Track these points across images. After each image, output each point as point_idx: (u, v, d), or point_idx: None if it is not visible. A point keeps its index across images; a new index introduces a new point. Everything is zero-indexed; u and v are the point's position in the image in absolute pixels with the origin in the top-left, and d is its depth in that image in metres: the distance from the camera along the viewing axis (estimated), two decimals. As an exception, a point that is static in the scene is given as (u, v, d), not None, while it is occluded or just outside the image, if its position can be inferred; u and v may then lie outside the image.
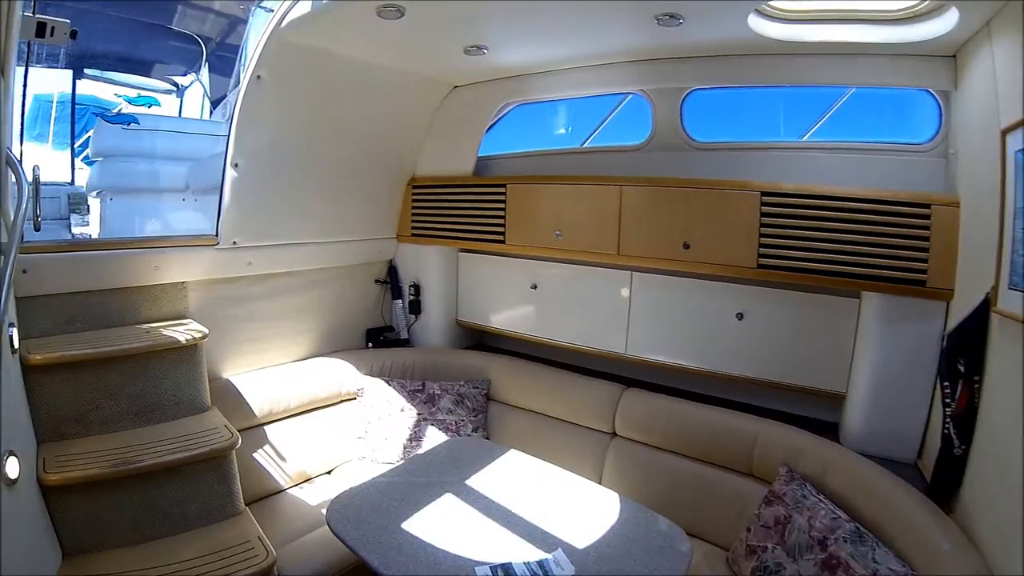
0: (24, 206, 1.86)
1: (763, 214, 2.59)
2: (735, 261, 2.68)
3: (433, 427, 3.32)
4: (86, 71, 5.94)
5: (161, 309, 2.94)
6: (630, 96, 3.33)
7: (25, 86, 2.61)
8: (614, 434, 3.08)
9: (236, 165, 2.97)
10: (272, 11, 2.75)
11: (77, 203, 5.72)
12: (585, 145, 3.64)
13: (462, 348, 4.03)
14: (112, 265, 2.78)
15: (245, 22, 5.18)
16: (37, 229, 2.58)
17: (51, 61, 5.56)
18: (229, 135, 2.95)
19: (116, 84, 6.29)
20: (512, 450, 2.76)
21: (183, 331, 2.71)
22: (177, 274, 2.97)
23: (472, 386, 3.47)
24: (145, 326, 2.81)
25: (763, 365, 2.81)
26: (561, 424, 3.24)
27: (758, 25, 2.30)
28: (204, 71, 5.94)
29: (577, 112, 3.96)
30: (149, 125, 5.32)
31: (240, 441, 2.47)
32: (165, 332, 2.69)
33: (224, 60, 5.73)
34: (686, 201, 2.82)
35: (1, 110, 1.92)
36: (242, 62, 5.43)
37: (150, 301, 2.91)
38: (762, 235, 2.60)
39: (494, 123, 3.74)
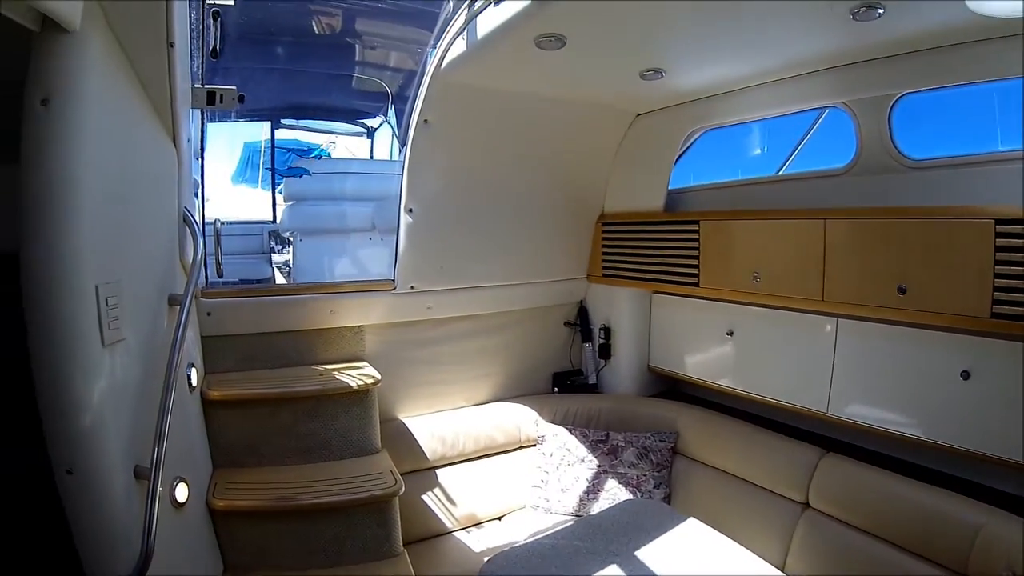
0: (198, 259, 2.43)
1: (999, 248, 2.27)
2: (962, 309, 2.39)
3: (613, 480, 3.48)
4: (283, 121, 6.84)
5: (337, 351, 3.44)
6: (827, 111, 3.21)
7: (203, 148, 3.30)
8: (807, 505, 2.94)
9: (410, 211, 3.39)
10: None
11: (276, 240, 6.92)
12: (781, 173, 3.59)
13: (652, 396, 4.12)
14: (289, 310, 3.32)
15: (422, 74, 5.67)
16: (220, 276, 3.24)
17: (256, 115, 6.58)
18: (402, 181, 3.36)
19: (310, 131, 7.26)
20: (691, 519, 2.77)
21: (356, 375, 3.13)
22: (353, 318, 3.46)
23: (659, 439, 3.56)
24: (320, 367, 3.31)
25: (993, 437, 2.44)
26: (750, 487, 3.18)
27: (978, 3, 2.04)
28: (391, 113, 6.53)
29: (772, 133, 3.90)
30: (339, 168, 6.21)
31: (403, 488, 2.79)
32: (338, 376, 3.13)
33: (410, 99, 6.27)
34: (900, 235, 2.59)
35: (178, 175, 2.48)
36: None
37: (326, 343, 3.41)
38: (997, 275, 2.28)
39: (684, 152, 3.82)
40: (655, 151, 3.76)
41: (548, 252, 4.09)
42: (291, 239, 6.36)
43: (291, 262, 6.49)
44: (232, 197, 7.83)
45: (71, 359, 1.62)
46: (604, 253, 4.15)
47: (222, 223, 3.22)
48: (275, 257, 6.99)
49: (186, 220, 2.52)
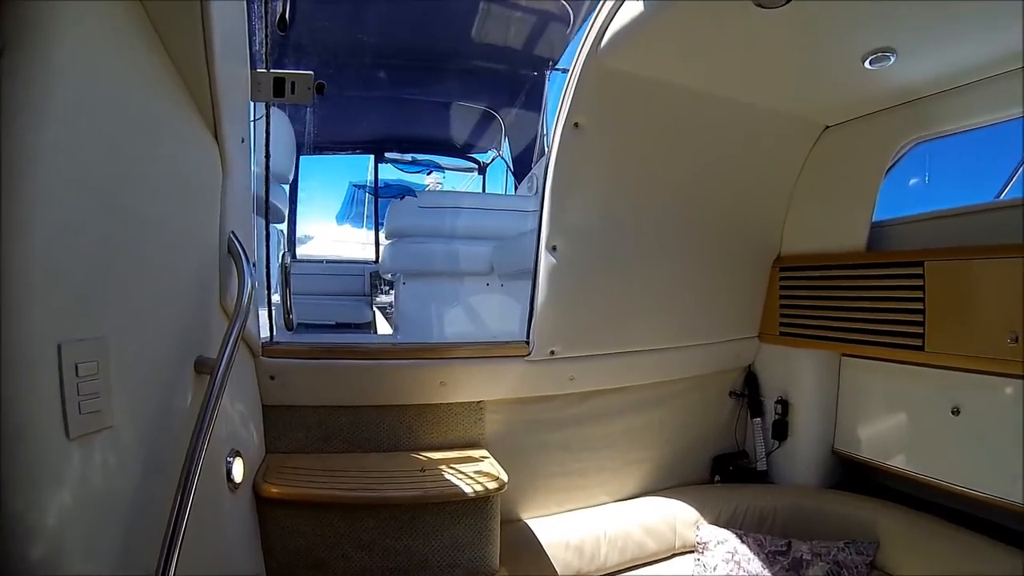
0: (244, 303, 1.81)
1: None
2: None
3: (794, 606, 2.88)
4: (387, 155, 6.94)
5: (447, 434, 2.89)
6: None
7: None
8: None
9: (554, 249, 2.80)
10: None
11: (377, 282, 6.76)
12: (1004, 196, 3.01)
13: (839, 489, 3.45)
14: (383, 378, 2.79)
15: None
16: (290, 328, 2.77)
17: (357, 148, 6.74)
18: (542, 211, 2.78)
19: (416, 164, 7.25)
20: None
21: (473, 474, 2.58)
22: (471, 391, 2.90)
23: (854, 551, 2.93)
24: (423, 455, 2.76)
25: None
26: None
27: None
28: (504, 145, 6.50)
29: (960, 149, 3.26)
30: (448, 202, 5.74)
31: None
32: (447, 473, 2.58)
33: (525, 130, 6.18)
34: None
35: (223, 187, 1.97)
36: (546, 126, 5.81)
37: (433, 423, 2.87)
38: None
39: (890, 168, 3.17)
40: (852, 173, 3.16)
41: (714, 305, 3.50)
42: (395, 281, 6.03)
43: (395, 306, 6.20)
44: (337, 236, 8.21)
45: (12, 460, 1.12)
46: (783, 306, 3.56)
47: (292, 260, 2.85)
48: (382, 298, 6.85)
49: (231, 250, 1.99)
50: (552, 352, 2.93)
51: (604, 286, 3.03)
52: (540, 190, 2.83)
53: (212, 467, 1.84)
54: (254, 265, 2.01)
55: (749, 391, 3.76)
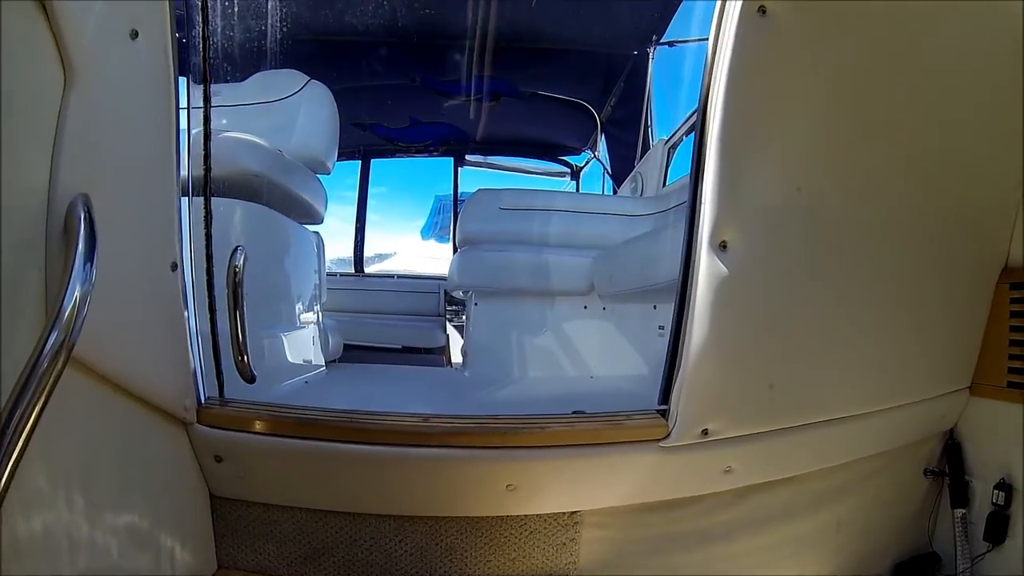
0: (65, 317, 1.03)
1: None
2: None
3: None
4: (467, 158, 6.26)
5: (514, 563, 1.85)
6: None
7: (207, 80, 1.88)
8: None
9: (723, 247, 1.63)
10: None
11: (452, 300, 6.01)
12: None
13: None
14: (407, 474, 1.77)
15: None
16: (249, 380, 1.86)
17: (435, 150, 6.17)
18: (696, 183, 1.64)
19: (501, 170, 6.56)
20: None
21: None
22: (560, 498, 1.85)
23: None
24: None
25: None
26: None
27: None
28: (601, 144, 5.80)
29: None
30: (538, 203, 4.64)
31: None
32: None
33: (625, 125, 5.42)
34: None
35: (61, 117, 1.23)
36: (651, 116, 5.11)
37: (492, 547, 1.84)
38: None
39: None
40: None
41: (917, 343, 2.25)
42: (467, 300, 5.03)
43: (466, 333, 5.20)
44: (421, 252, 7.57)
45: None
46: (1013, 343, 2.35)
47: (245, 255, 1.86)
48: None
49: (69, 213, 1.17)
50: (705, 432, 1.78)
51: (798, 313, 1.87)
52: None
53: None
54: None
55: (951, 467, 2.57)
